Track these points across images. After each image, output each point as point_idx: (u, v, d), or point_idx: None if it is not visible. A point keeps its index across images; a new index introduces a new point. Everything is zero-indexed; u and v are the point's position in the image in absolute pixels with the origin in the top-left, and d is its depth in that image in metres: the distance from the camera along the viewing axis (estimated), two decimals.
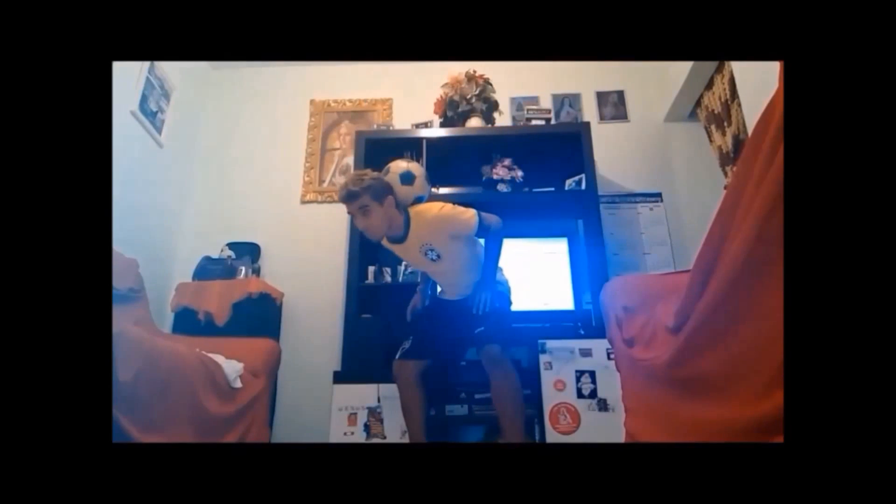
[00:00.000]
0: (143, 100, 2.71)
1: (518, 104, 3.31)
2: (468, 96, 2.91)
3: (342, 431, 2.22)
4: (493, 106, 2.99)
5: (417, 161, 2.91)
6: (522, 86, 3.37)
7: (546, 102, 3.34)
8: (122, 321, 1.47)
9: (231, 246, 2.90)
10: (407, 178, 1.90)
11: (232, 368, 1.93)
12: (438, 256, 1.91)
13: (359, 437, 2.21)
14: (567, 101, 3.36)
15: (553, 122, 3.03)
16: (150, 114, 2.78)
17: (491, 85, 3.00)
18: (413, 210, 1.89)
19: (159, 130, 2.87)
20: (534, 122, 2.93)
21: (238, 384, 1.92)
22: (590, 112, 3.31)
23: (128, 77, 2.59)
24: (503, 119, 3.14)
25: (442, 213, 1.84)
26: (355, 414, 2.23)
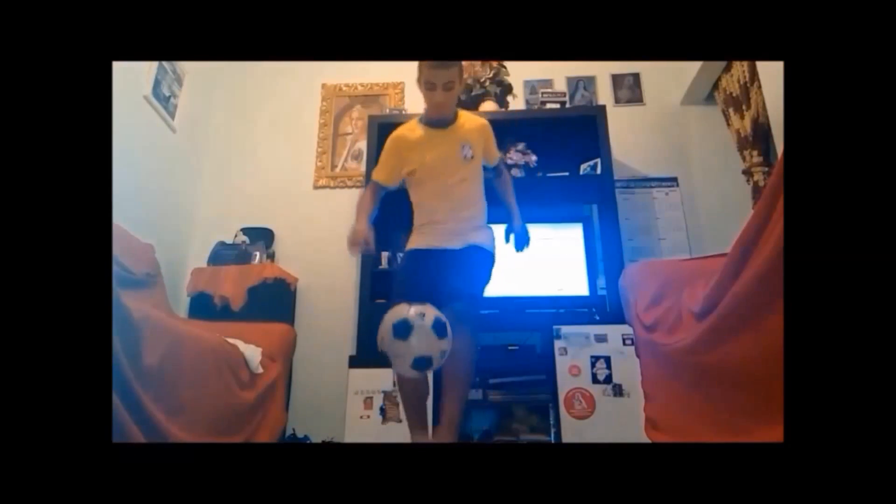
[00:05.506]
0: (156, 84, 2.70)
1: (532, 87, 3.27)
2: (482, 79, 2.86)
3: (358, 415, 2.25)
4: (507, 89, 2.94)
5: None
6: (536, 67, 3.31)
7: (560, 85, 3.29)
8: (143, 306, 1.49)
9: (245, 231, 2.91)
10: (401, 329, 1.39)
11: (252, 353, 1.96)
12: (472, 157, 1.80)
13: (375, 420, 2.24)
14: (582, 84, 3.31)
15: (568, 105, 2.98)
16: (163, 99, 2.77)
17: (505, 68, 2.95)
18: (461, 112, 1.91)
19: (172, 115, 2.86)
20: (548, 106, 2.89)
21: (260, 369, 1.95)
22: (605, 95, 3.26)
23: (141, 62, 2.58)
24: (517, 103, 3.11)
25: (487, 125, 1.89)
26: (371, 398, 2.26)
